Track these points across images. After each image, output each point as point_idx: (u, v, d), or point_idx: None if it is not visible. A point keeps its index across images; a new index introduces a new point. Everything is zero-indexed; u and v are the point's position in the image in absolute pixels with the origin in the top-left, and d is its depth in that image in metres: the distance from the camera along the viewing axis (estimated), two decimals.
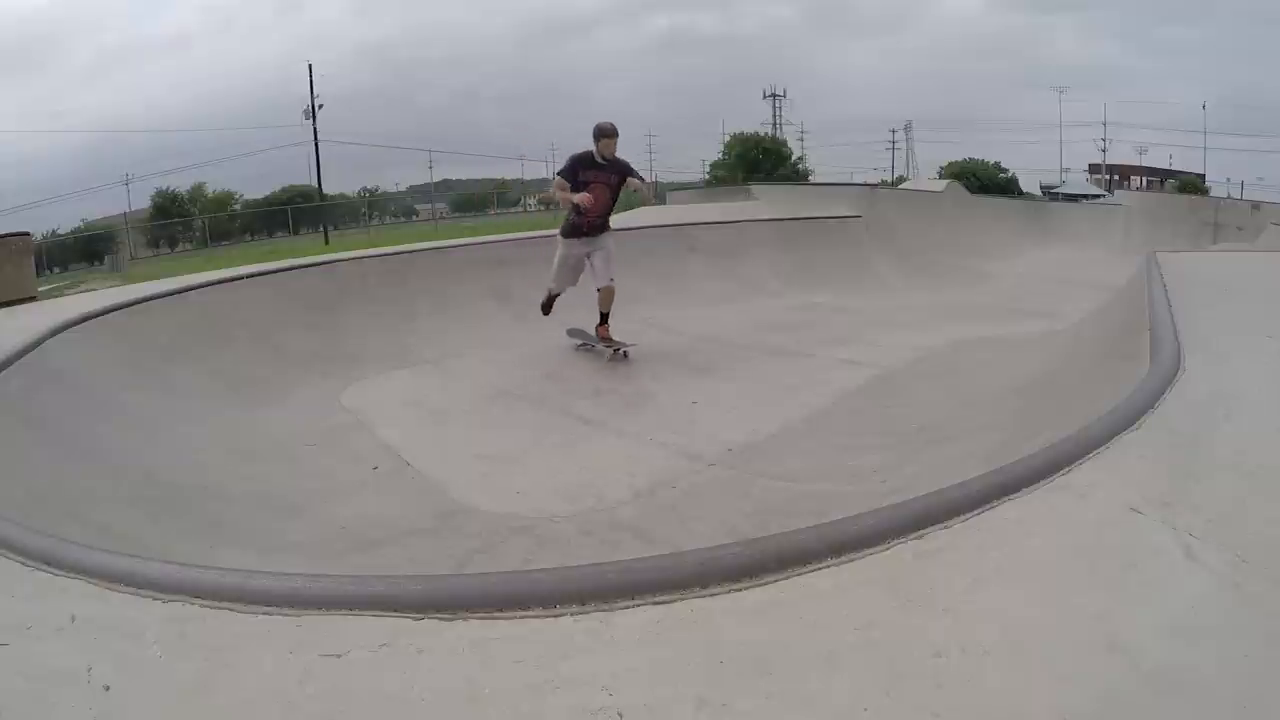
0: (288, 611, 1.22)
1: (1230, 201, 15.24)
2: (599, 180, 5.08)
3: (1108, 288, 5.36)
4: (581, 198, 4.96)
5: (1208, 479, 1.48)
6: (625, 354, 5.18)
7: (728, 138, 31.68)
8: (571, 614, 1.18)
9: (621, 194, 5.33)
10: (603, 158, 5.08)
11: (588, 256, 5.30)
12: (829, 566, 1.26)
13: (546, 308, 5.72)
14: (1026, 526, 1.35)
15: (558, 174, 5.27)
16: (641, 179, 5.38)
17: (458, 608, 1.20)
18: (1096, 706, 0.93)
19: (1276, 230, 9.34)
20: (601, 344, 5.34)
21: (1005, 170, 39.34)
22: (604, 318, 5.34)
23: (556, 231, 5.52)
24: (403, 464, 3.48)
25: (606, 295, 5.25)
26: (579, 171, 5.07)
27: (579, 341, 5.57)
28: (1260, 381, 2.07)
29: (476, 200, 45.63)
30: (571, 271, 5.40)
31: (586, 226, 5.20)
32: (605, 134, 5.08)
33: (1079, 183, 40.14)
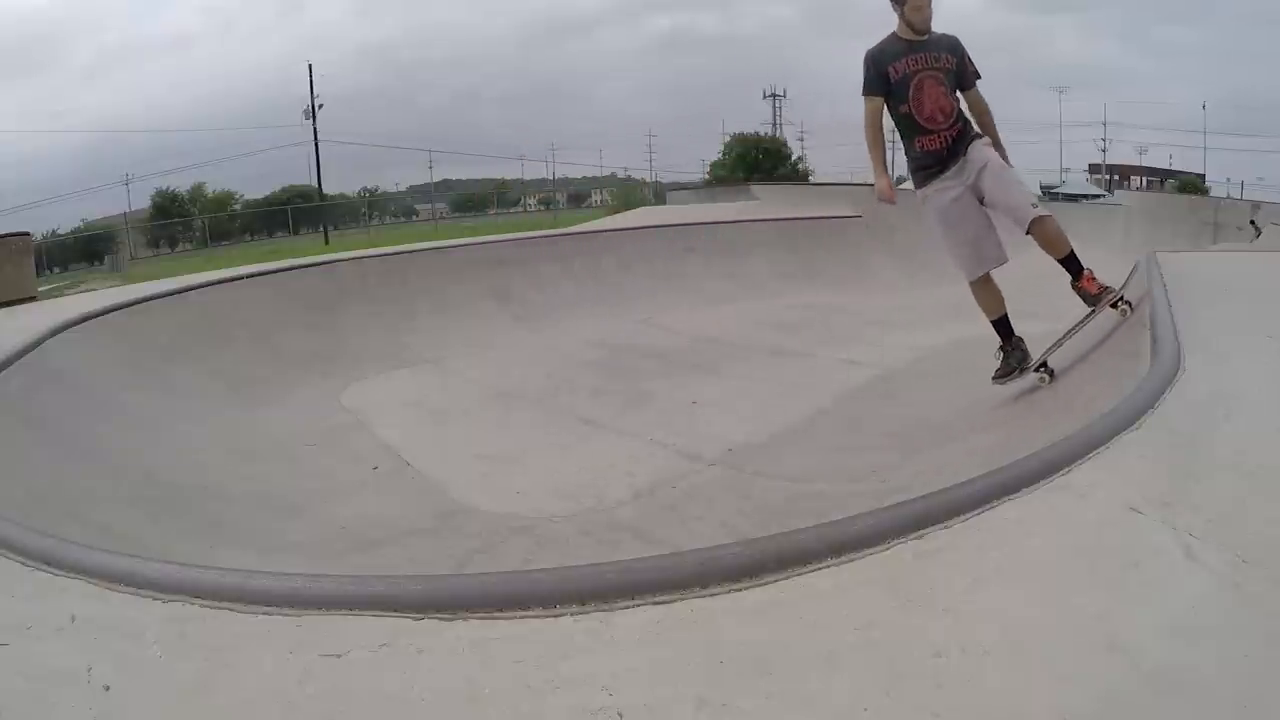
0: (288, 611, 1.22)
1: (1230, 201, 15.24)
2: (924, 69, 3.23)
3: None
4: (881, 188, 3.38)
5: (1208, 479, 1.48)
6: (1128, 304, 3.14)
7: (728, 138, 31.69)
8: (571, 614, 1.18)
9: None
10: (915, 31, 3.23)
11: (971, 190, 3.26)
12: (829, 566, 1.26)
13: (1010, 359, 3.42)
14: (1026, 526, 1.35)
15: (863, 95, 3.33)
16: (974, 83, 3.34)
17: (458, 608, 1.20)
18: (1096, 706, 0.93)
19: (1277, 230, 9.33)
20: (1100, 305, 3.20)
21: None
22: (1070, 266, 3.22)
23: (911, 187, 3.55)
24: (403, 464, 3.48)
25: (1044, 233, 3.18)
26: (885, 69, 3.25)
27: (1037, 374, 3.42)
28: (1260, 381, 2.07)
29: (476, 200, 45.65)
30: (970, 229, 3.31)
31: (939, 146, 3.24)
32: None
33: (1079, 183, 40.11)
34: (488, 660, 1.09)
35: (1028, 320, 3.75)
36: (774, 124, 45.99)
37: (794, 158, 33.19)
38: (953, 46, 3.30)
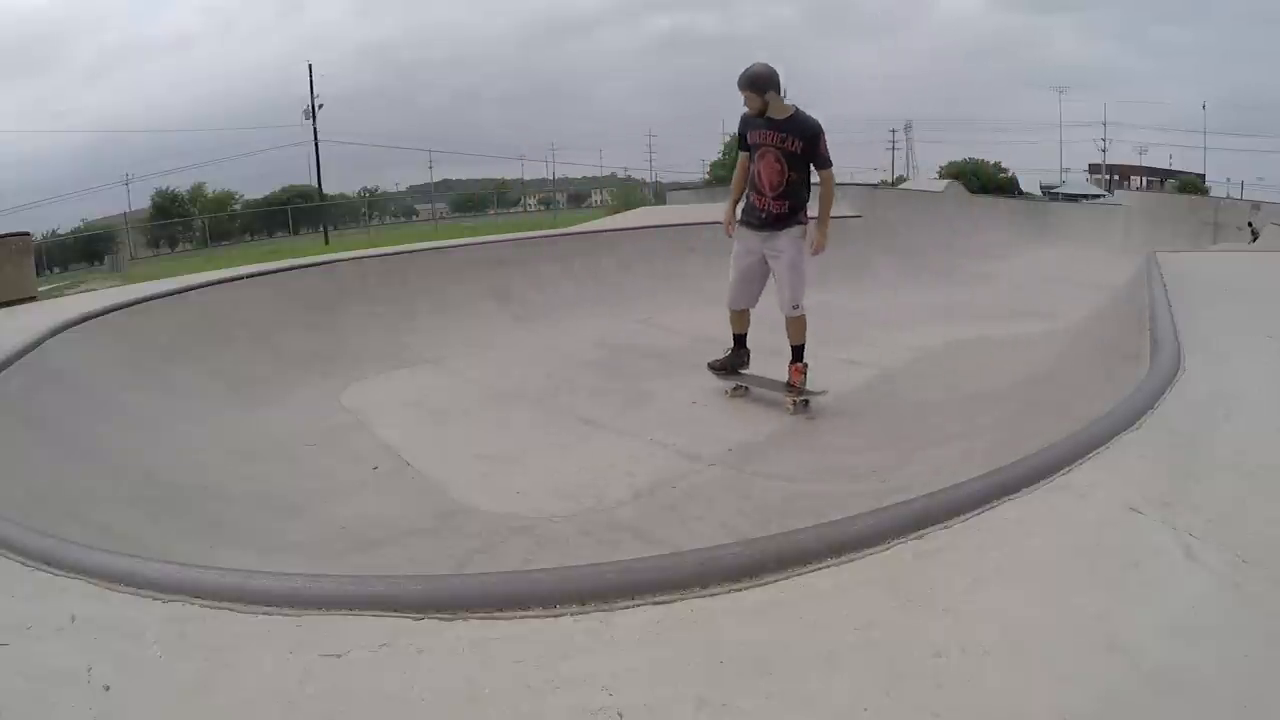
0: (288, 611, 1.22)
1: (1230, 201, 15.26)
2: (766, 143, 3.84)
3: (1108, 288, 5.36)
4: (726, 218, 4.08)
5: (1208, 479, 1.48)
6: (807, 403, 3.99)
7: (728, 138, 31.69)
8: (571, 614, 1.18)
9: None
10: (759, 114, 3.83)
11: (762, 261, 4.02)
12: (829, 566, 1.26)
13: (730, 358, 4.29)
14: (1026, 526, 1.35)
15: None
16: (825, 168, 3.93)
17: (458, 608, 1.20)
18: (1096, 706, 0.93)
19: (1277, 230, 9.34)
20: (784, 391, 4.04)
21: (1005, 170, 39.38)
22: (796, 354, 4.05)
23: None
24: (403, 464, 3.48)
25: (791, 325, 4.02)
26: (747, 133, 3.95)
27: (732, 384, 4.29)
28: (1260, 381, 2.07)
29: (476, 200, 45.67)
30: (742, 276, 4.09)
31: (763, 214, 3.90)
32: (754, 82, 3.79)
33: (1079, 183, 40.16)
34: (488, 660, 1.09)
35: (1029, 319, 3.75)
36: None
37: None
38: (804, 128, 3.82)
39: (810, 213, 4.03)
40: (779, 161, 3.83)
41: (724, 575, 1.23)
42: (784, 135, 3.81)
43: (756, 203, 3.95)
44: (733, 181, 4.15)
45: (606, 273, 7.12)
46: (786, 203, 3.89)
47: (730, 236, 4.15)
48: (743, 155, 4.03)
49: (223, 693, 1.06)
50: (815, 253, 3.99)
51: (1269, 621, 1.07)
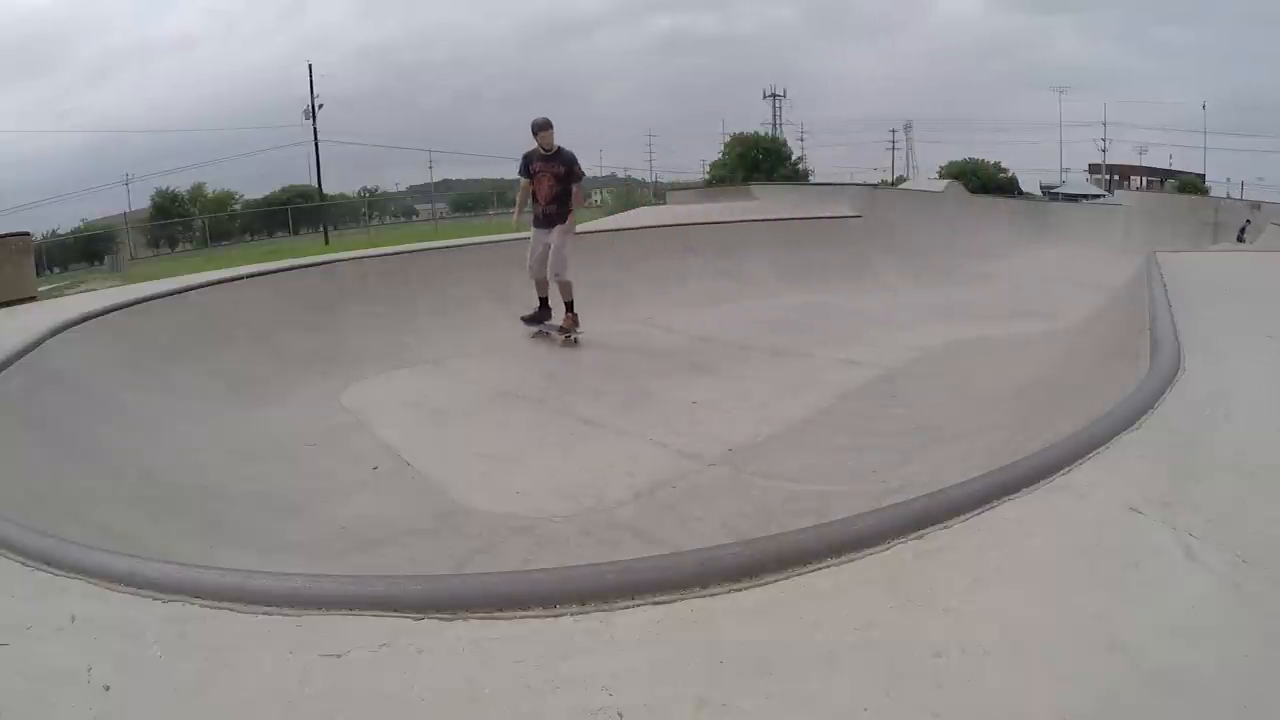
0: (288, 611, 1.22)
1: (1230, 201, 15.26)
2: (545, 170, 5.73)
3: (1108, 288, 5.37)
4: (515, 216, 6.16)
5: (1208, 479, 1.48)
6: (575, 340, 5.72)
7: (728, 138, 31.67)
8: (571, 614, 1.18)
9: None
10: (544, 149, 5.72)
11: (545, 244, 5.80)
12: (829, 566, 1.26)
13: (536, 314, 6.04)
14: (1026, 526, 1.35)
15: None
16: (578, 181, 5.88)
17: (458, 608, 1.20)
18: (1096, 706, 0.93)
19: (1277, 230, 9.34)
20: (560, 332, 5.80)
21: (1005, 170, 39.36)
22: (568, 307, 5.80)
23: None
24: (403, 464, 3.48)
25: (559, 286, 5.76)
26: (529, 165, 5.81)
27: (534, 330, 5.99)
28: (1260, 381, 2.07)
29: (476, 200, 45.64)
30: (537, 255, 5.87)
31: (542, 215, 5.81)
32: (539, 128, 5.71)
33: (1079, 183, 40.15)
34: (488, 660, 1.09)
35: (1029, 319, 3.76)
36: (774, 124, 46.03)
37: (794, 158, 33.18)
38: (569, 159, 5.76)
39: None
40: (552, 180, 5.75)
41: (724, 575, 1.23)
42: (556, 164, 5.74)
43: (535, 210, 5.90)
44: (518, 199, 6.26)
45: (606, 273, 7.12)
46: (553, 206, 5.79)
47: (515, 230, 6.47)
48: (523, 180, 5.99)
49: (223, 693, 1.06)
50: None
51: (1269, 621, 1.07)
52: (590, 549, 2.58)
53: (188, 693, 1.07)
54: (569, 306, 5.78)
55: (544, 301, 5.98)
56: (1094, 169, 44.01)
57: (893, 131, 51.57)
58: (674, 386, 4.54)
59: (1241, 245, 10.29)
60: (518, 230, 6.21)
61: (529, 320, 6.01)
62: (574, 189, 5.84)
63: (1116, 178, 40.65)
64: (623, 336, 5.87)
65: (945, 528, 1.34)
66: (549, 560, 2.41)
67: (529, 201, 5.95)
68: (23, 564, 1.47)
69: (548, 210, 5.77)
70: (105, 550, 1.57)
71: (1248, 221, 11.64)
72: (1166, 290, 3.03)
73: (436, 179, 47.55)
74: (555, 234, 5.71)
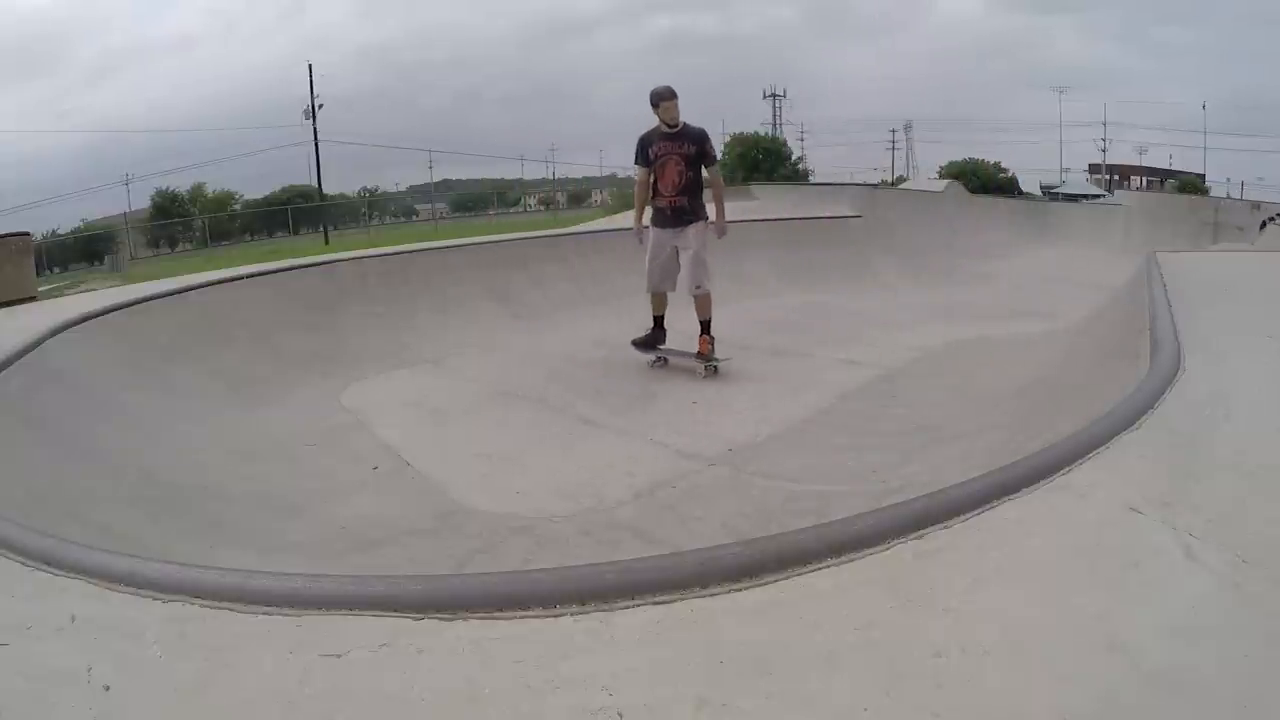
0: (288, 611, 1.22)
1: (1230, 201, 15.25)
2: (670, 154, 4.57)
3: (1108, 288, 5.37)
4: (635, 229, 4.86)
5: (1208, 479, 1.48)
6: (717, 368, 4.63)
7: (728, 138, 31.62)
8: (571, 614, 1.18)
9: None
10: (667, 126, 4.54)
11: (674, 252, 4.69)
12: (829, 566, 1.26)
13: (650, 336, 4.94)
14: (1026, 526, 1.35)
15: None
16: (712, 165, 4.72)
17: (458, 608, 1.20)
18: (1096, 706, 0.93)
19: (1277, 230, 9.33)
20: (696, 359, 4.68)
21: (1005, 170, 39.35)
22: (704, 327, 4.70)
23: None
24: (403, 464, 3.48)
25: (698, 302, 4.67)
26: (649, 149, 4.62)
27: (654, 358, 4.90)
28: (1260, 381, 2.07)
29: (476, 200, 45.67)
30: (660, 266, 4.76)
31: (670, 211, 4.63)
32: (661, 97, 4.49)
33: (1079, 183, 40.15)
34: (488, 660, 1.09)
35: (1029, 319, 3.76)
36: (774, 124, 46.05)
37: (794, 158, 33.16)
38: (699, 135, 4.60)
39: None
40: (679, 164, 4.62)
41: (724, 575, 1.23)
42: (681, 143, 4.61)
43: (659, 204, 4.75)
44: (635, 196, 5.01)
45: (606, 273, 7.11)
46: (683, 198, 4.67)
47: (640, 244, 4.98)
48: (640, 170, 4.81)
49: (223, 693, 1.06)
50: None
51: (1269, 621, 1.07)
52: (590, 549, 2.58)
53: (188, 693, 1.07)
54: (706, 327, 4.68)
55: (659, 321, 4.95)
56: (1094, 169, 44.02)
57: (893, 131, 51.65)
58: (674, 386, 4.54)
59: (1243, 245, 10.27)
60: (641, 241, 4.88)
61: (643, 345, 4.94)
62: (711, 175, 4.70)
63: (1116, 178, 40.64)
64: (623, 336, 5.86)
65: (945, 528, 1.34)
66: (549, 560, 2.41)
67: (650, 198, 4.82)
68: (23, 564, 1.47)
69: (677, 204, 4.63)
70: (105, 550, 1.57)
71: (1272, 218, 11.60)
72: (1166, 290, 3.03)
73: (436, 179, 47.61)
74: (692, 235, 4.63)
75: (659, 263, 4.74)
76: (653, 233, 4.74)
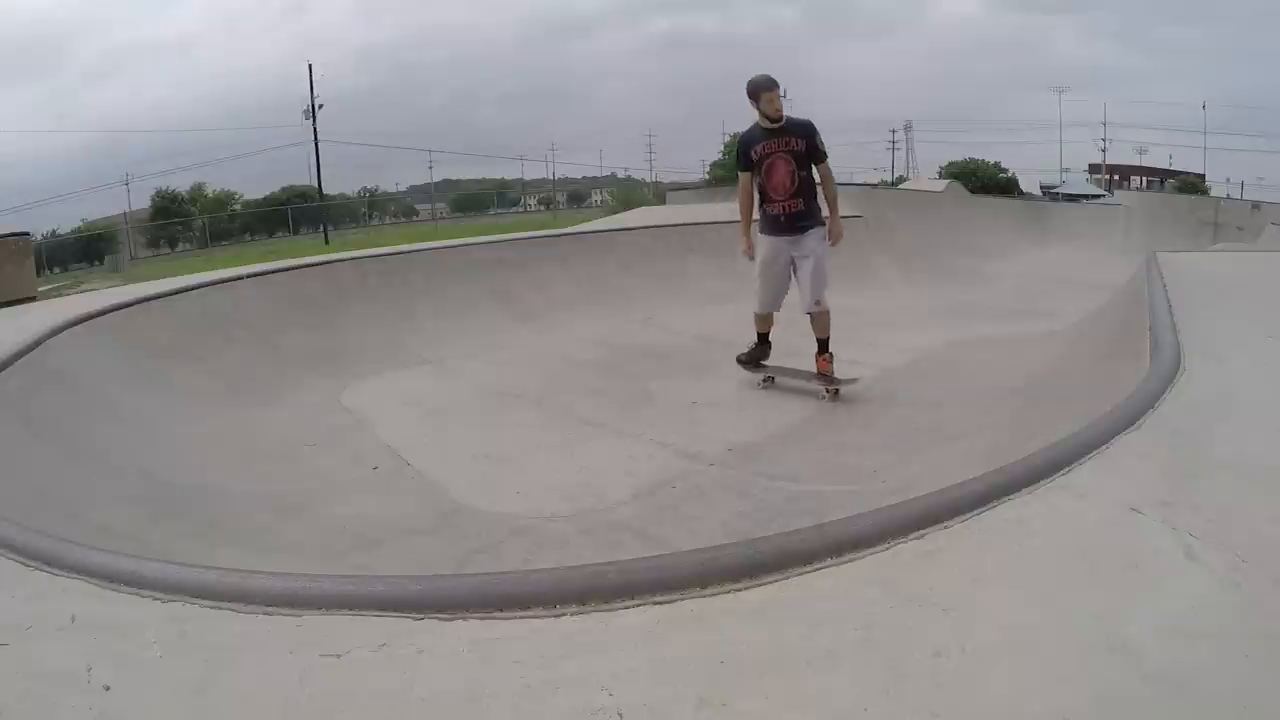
0: (288, 611, 1.22)
1: (1230, 201, 15.25)
2: (777, 152, 4.02)
3: (1108, 288, 5.36)
4: (744, 245, 4.30)
5: (1208, 479, 1.48)
6: (839, 391, 4.14)
7: (728, 138, 31.65)
8: (571, 614, 1.18)
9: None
10: (770, 120, 4.01)
11: (790, 263, 4.17)
12: (829, 566, 1.26)
13: (755, 352, 4.46)
14: (1026, 526, 1.35)
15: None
16: (823, 161, 4.14)
17: (458, 608, 1.20)
18: (1096, 706, 0.93)
19: (1276, 230, 9.34)
20: (816, 380, 4.18)
21: (1005, 170, 39.32)
22: (821, 347, 4.20)
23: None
24: (403, 464, 3.48)
25: (816, 319, 4.17)
26: (751, 149, 4.11)
27: (762, 377, 4.45)
28: (1260, 381, 2.07)
29: (476, 200, 45.67)
30: (773, 282, 4.25)
31: (784, 218, 4.07)
32: (760, 88, 3.98)
33: (1079, 183, 40.10)
34: (488, 660, 1.09)
35: (1030, 318, 3.75)
36: None
37: None
38: (805, 128, 4.07)
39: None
40: (789, 163, 4.04)
41: (724, 575, 1.23)
42: (787, 138, 4.05)
43: (772, 210, 4.14)
44: (739, 204, 4.36)
45: (606, 273, 7.12)
46: (799, 201, 4.10)
47: (751, 259, 4.38)
48: (744, 175, 4.24)
49: (223, 693, 1.06)
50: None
51: (1269, 621, 1.07)
52: (590, 549, 2.58)
53: (188, 693, 1.07)
54: (824, 345, 4.17)
55: (764, 337, 4.46)
56: (1094, 169, 43.98)
57: (893, 131, 51.57)
58: (674, 386, 4.54)
59: (1243, 245, 10.27)
60: (750, 255, 4.35)
61: (749, 362, 4.46)
62: (823, 172, 4.15)
63: (1116, 178, 40.63)
64: (623, 336, 5.87)
65: (945, 528, 1.34)
66: (549, 560, 2.41)
67: (757, 206, 4.29)
68: (23, 564, 1.46)
69: (792, 210, 4.06)
70: (106, 550, 1.57)
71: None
72: (1166, 290, 3.03)
73: (436, 179, 47.57)
74: (813, 242, 4.08)
75: (772, 276, 4.22)
76: (764, 243, 4.19)
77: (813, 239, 4.10)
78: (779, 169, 4.02)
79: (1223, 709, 0.93)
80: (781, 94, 4.04)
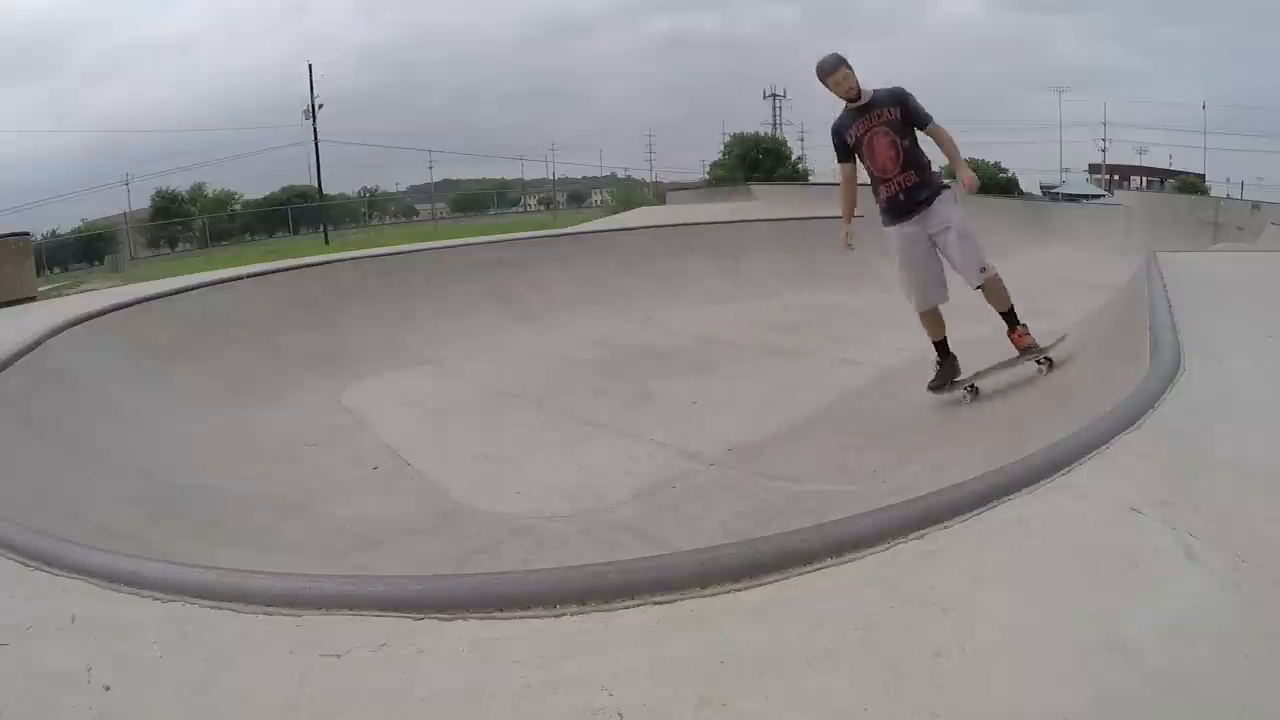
0: (288, 611, 1.22)
1: (1230, 201, 15.25)
2: (872, 129, 3.63)
3: (1108, 288, 5.36)
4: (844, 235, 3.90)
5: (1208, 479, 1.48)
6: (1052, 363, 3.59)
7: (728, 138, 31.60)
8: (571, 614, 1.18)
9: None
10: (851, 101, 3.63)
11: (931, 240, 3.66)
12: (829, 566, 1.26)
13: (944, 372, 3.80)
14: (1026, 526, 1.35)
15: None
16: (926, 125, 3.65)
17: (458, 608, 1.20)
18: (1096, 706, 0.93)
19: (1276, 230, 9.34)
20: (1023, 361, 3.62)
21: (1005, 170, 39.29)
22: (1008, 320, 3.66)
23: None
24: (403, 464, 3.48)
25: (989, 292, 3.64)
26: (844, 136, 3.70)
27: (963, 390, 3.78)
28: (1260, 381, 2.07)
29: (476, 200, 45.68)
30: (919, 272, 3.72)
31: (902, 195, 3.63)
32: (825, 71, 3.60)
33: (1079, 183, 40.07)
34: (488, 660, 1.09)
35: (1029, 319, 3.75)
36: (774, 124, 45.98)
37: (794, 158, 33.13)
38: (896, 96, 3.65)
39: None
40: (889, 135, 3.63)
41: (724, 575, 1.23)
42: (879, 111, 3.64)
43: (888, 191, 3.70)
44: (841, 196, 3.94)
45: (606, 273, 7.13)
46: (911, 173, 3.65)
47: (850, 249, 3.99)
48: (844, 165, 3.81)
49: (223, 693, 1.06)
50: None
51: (1269, 621, 1.07)
52: (590, 549, 2.58)
53: (188, 693, 1.07)
54: (1011, 317, 3.65)
55: (943, 346, 3.83)
56: (1094, 169, 43.93)
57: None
58: (674, 386, 4.54)
59: (1243, 245, 10.27)
60: (851, 246, 3.95)
61: (943, 384, 3.79)
62: (932, 130, 3.64)
63: (1116, 178, 40.61)
64: (623, 336, 5.87)
65: (945, 528, 1.34)
66: (549, 560, 2.41)
67: (865, 196, 3.89)
68: (23, 564, 1.47)
69: (908, 184, 3.62)
70: (106, 550, 1.58)
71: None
72: (1166, 290, 3.03)
73: (436, 179, 47.56)
74: (944, 210, 3.61)
75: (917, 265, 3.71)
76: (893, 237, 3.75)
77: (942, 207, 3.62)
78: (879, 146, 3.62)
79: (1223, 709, 0.93)
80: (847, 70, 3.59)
